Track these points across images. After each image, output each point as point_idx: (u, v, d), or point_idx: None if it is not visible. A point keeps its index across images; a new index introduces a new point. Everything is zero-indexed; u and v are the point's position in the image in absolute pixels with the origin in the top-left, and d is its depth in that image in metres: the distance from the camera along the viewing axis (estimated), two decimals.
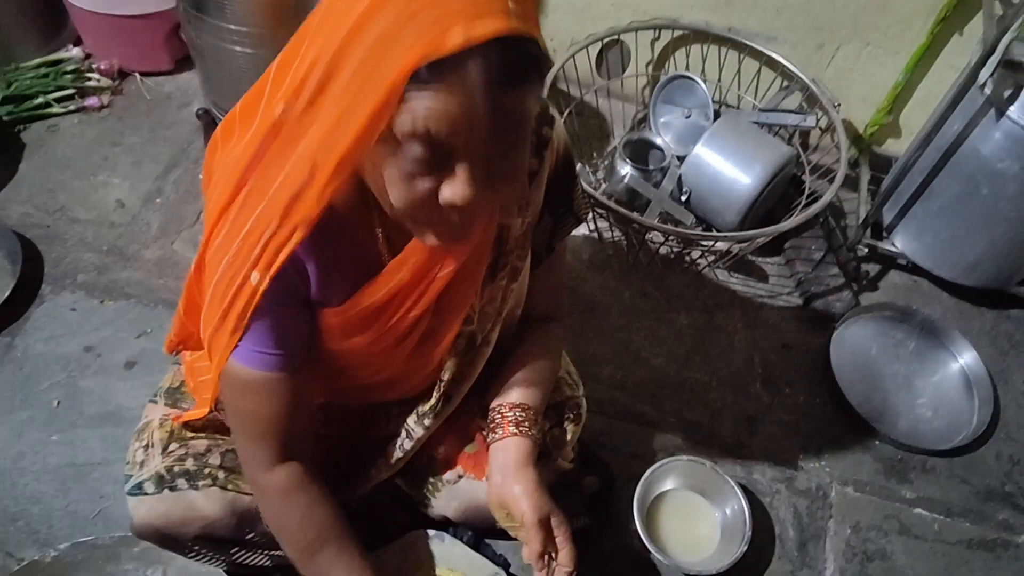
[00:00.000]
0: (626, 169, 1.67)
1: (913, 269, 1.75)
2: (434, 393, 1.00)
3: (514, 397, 1.01)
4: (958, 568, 1.39)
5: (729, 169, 1.61)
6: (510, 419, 0.99)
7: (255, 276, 0.73)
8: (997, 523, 1.45)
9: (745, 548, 1.26)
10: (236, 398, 0.88)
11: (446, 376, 0.98)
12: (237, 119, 0.77)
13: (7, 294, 1.49)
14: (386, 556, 1.20)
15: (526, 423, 0.99)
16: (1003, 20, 1.30)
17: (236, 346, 0.79)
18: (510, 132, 0.65)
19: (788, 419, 1.54)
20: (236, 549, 1.10)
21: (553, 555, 0.94)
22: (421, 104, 0.59)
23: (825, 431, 1.53)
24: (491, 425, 1.01)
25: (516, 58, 0.60)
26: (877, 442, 1.52)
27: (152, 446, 1.06)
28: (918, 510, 1.45)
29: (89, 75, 1.91)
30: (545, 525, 0.92)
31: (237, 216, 0.74)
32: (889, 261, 1.79)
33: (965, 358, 1.62)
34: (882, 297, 1.75)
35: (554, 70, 1.75)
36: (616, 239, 1.73)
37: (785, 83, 1.82)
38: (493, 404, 1.02)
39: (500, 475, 0.96)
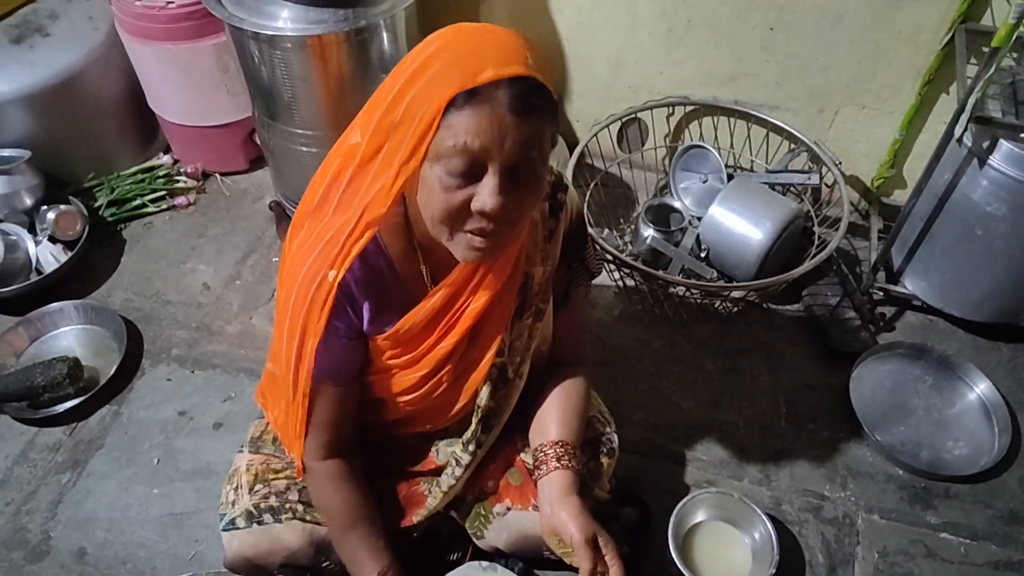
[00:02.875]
0: (648, 231, 1.85)
1: (928, 309, 1.86)
2: (473, 419, 1.15)
3: (553, 435, 1.16)
4: None
5: (741, 226, 1.77)
6: (551, 455, 1.13)
7: (332, 273, 0.92)
8: (1023, 544, 1.51)
9: (774, 571, 1.36)
10: None
11: (482, 403, 1.13)
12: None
13: (115, 369, 1.72)
14: None
15: (566, 457, 1.13)
16: (972, 82, 1.46)
17: (322, 338, 0.97)
18: (529, 151, 0.83)
19: (813, 454, 1.64)
20: None
21: (604, 573, 1.06)
22: (460, 121, 0.80)
23: (849, 464, 1.62)
24: (536, 464, 1.15)
25: (532, 92, 0.81)
26: (900, 472, 1.60)
27: (241, 487, 1.23)
28: (944, 534, 1.52)
29: (177, 178, 2.19)
30: (593, 545, 1.05)
31: (312, 227, 0.94)
32: (904, 303, 1.90)
33: (981, 388, 1.70)
34: (899, 337, 1.85)
35: (579, 147, 1.96)
36: (643, 294, 1.89)
37: (792, 146, 1.99)
38: (535, 445, 1.17)
39: (549, 505, 1.10)
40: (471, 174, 0.83)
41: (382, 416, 1.18)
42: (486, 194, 0.82)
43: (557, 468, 1.12)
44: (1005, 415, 1.65)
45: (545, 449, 1.15)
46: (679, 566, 1.37)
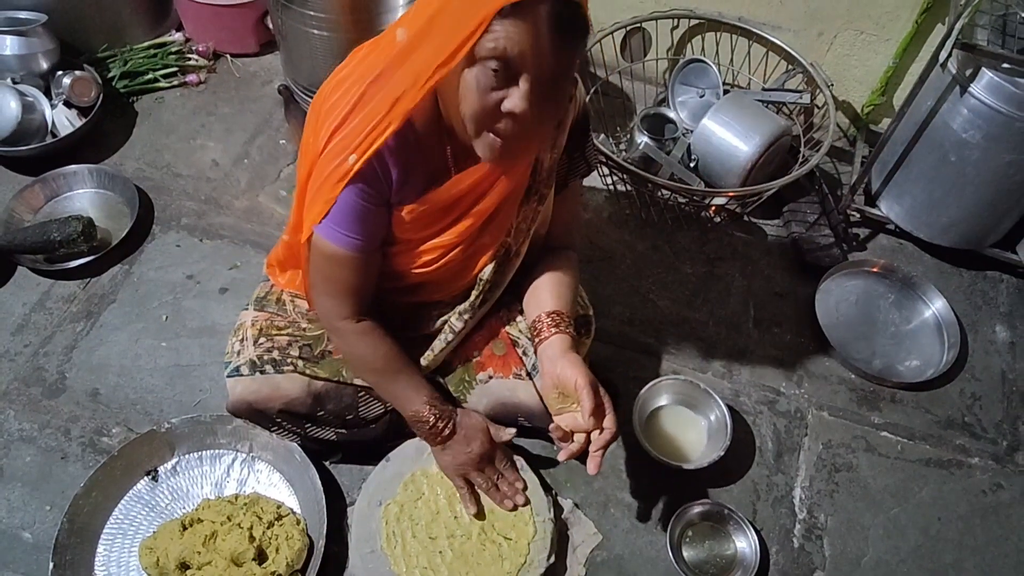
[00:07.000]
0: (642, 138, 1.93)
1: (899, 233, 1.96)
2: (474, 291, 1.27)
3: (549, 307, 1.27)
4: (914, 481, 1.60)
5: (731, 139, 1.84)
6: (549, 323, 1.25)
7: (352, 158, 1.00)
8: (954, 447, 1.65)
9: (723, 452, 1.50)
10: (322, 264, 1.16)
11: (485, 277, 1.24)
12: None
13: (126, 232, 1.81)
14: None
15: (562, 324, 1.25)
16: (962, 8, 1.52)
17: (327, 214, 1.05)
18: (560, 66, 0.94)
19: (775, 354, 1.76)
20: (309, 425, 1.38)
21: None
22: (503, 29, 0.89)
23: (807, 366, 1.75)
24: (535, 332, 1.27)
25: (572, 12, 0.91)
26: (853, 376, 1.73)
27: (246, 340, 1.34)
28: (884, 433, 1.66)
29: (189, 56, 2.23)
30: (595, 389, 1.17)
31: (351, 116, 1.01)
32: (878, 225, 2.00)
33: (937, 306, 1.82)
34: (869, 257, 1.96)
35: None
36: (632, 200, 1.98)
37: (789, 67, 2.04)
38: (532, 316, 1.29)
39: (550, 363, 1.22)
40: (506, 79, 0.92)
41: (389, 285, 1.28)
42: (517, 97, 0.92)
43: (556, 332, 1.24)
44: (956, 332, 1.78)
45: (542, 318, 1.26)
46: (641, 441, 1.51)
